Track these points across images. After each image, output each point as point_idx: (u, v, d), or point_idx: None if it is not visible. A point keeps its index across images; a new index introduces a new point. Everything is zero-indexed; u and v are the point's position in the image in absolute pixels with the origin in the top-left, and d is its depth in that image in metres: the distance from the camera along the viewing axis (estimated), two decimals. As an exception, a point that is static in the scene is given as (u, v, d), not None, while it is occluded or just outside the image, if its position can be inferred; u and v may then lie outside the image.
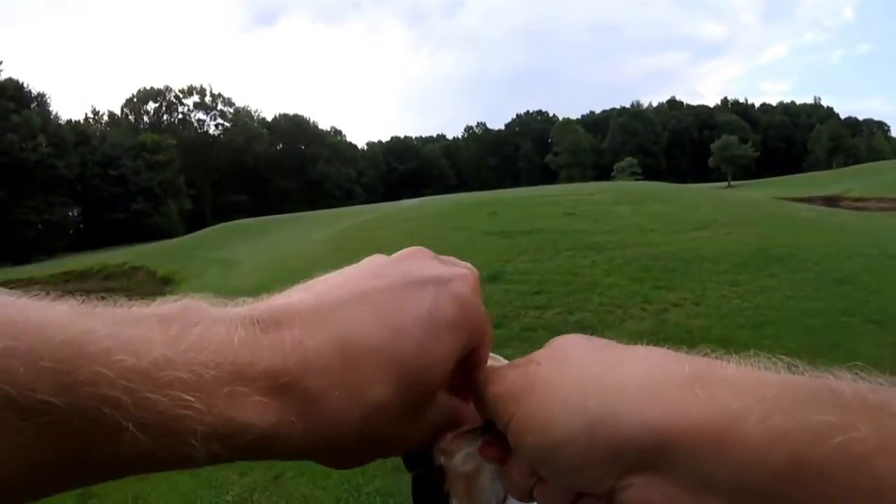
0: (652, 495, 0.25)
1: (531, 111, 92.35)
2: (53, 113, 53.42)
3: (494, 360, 0.37)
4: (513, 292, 6.54)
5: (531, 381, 0.29)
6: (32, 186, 48.23)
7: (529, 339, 5.60)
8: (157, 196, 55.39)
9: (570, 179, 60.66)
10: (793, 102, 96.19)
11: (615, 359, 0.29)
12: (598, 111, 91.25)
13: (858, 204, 12.38)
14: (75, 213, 54.20)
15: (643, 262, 7.08)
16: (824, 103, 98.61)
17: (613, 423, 0.25)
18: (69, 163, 50.44)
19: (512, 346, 5.55)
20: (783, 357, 0.26)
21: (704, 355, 0.28)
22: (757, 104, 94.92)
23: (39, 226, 49.42)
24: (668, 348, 0.27)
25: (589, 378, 0.28)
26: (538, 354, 0.32)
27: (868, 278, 6.66)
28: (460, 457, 0.34)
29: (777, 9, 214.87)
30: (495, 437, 0.32)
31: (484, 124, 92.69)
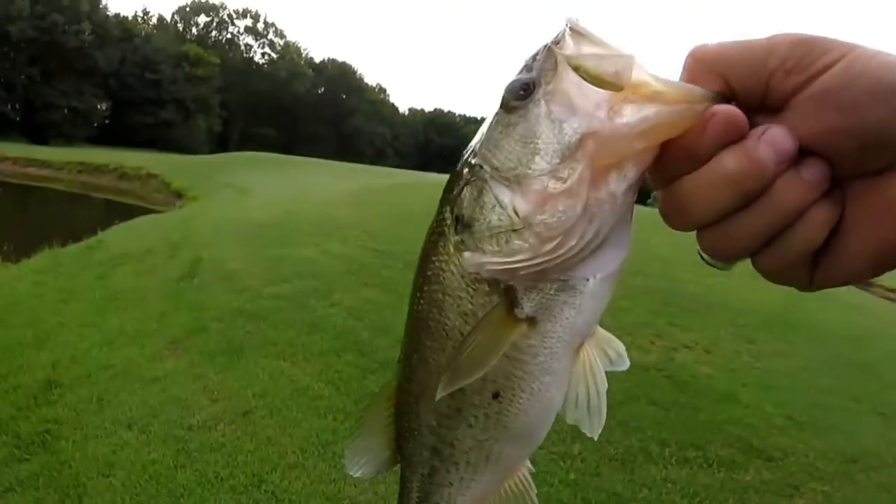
0: None
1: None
2: (103, 3, 53.03)
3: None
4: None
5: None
6: (66, 71, 48.00)
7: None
8: (188, 109, 55.22)
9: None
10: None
11: None
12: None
13: (890, 295, 12.05)
14: (104, 108, 54.07)
15: (663, 295, 6.87)
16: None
17: None
18: (109, 56, 50.16)
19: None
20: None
21: None
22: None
23: (66, 111, 49.29)
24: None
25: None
26: None
27: (884, 369, 6.47)
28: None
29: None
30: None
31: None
